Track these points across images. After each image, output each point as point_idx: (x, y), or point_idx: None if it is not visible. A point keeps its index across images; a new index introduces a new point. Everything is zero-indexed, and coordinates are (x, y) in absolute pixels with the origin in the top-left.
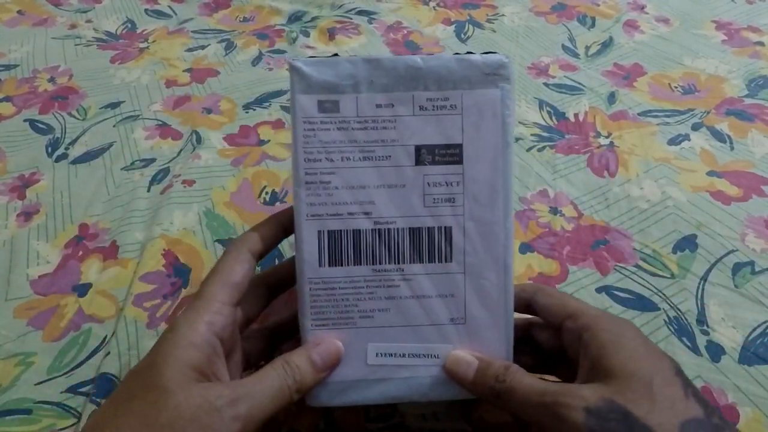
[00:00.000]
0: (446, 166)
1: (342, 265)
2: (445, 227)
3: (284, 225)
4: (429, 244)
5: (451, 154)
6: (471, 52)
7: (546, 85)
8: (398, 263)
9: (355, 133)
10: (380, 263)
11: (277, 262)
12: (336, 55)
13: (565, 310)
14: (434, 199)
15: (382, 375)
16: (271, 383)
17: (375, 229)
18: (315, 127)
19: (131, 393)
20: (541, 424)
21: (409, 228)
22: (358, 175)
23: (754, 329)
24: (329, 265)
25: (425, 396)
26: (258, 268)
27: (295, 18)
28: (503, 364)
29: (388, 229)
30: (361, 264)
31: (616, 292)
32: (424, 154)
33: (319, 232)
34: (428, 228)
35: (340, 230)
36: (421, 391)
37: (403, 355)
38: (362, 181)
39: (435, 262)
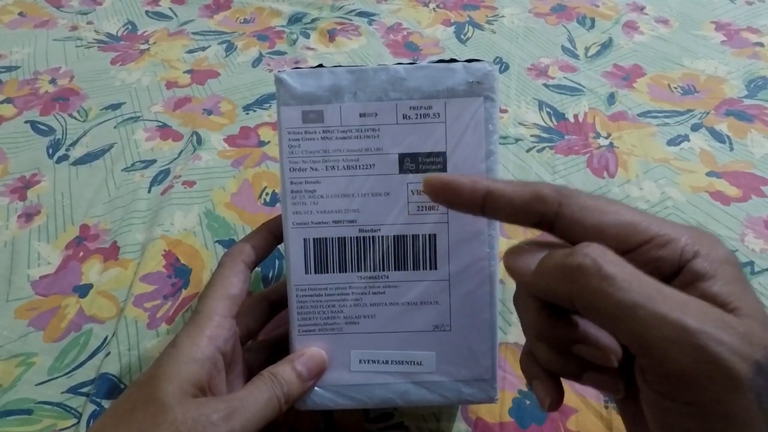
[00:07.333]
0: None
1: (328, 273)
2: (430, 235)
3: (275, 233)
4: (413, 252)
5: (434, 162)
6: (455, 59)
7: (546, 86)
8: (383, 270)
9: (339, 143)
10: (365, 270)
11: (277, 263)
12: (320, 65)
13: (635, 231)
14: (418, 207)
15: (366, 380)
16: (261, 396)
17: (360, 237)
18: (299, 137)
19: (133, 404)
20: (649, 353)
21: (394, 236)
22: (342, 184)
23: None
24: (315, 273)
25: (410, 402)
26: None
27: (295, 19)
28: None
29: (373, 237)
30: (346, 271)
31: None
32: (407, 162)
33: (305, 239)
34: (413, 236)
35: (326, 238)
36: (405, 397)
37: (387, 362)
38: (347, 190)
39: (420, 269)
